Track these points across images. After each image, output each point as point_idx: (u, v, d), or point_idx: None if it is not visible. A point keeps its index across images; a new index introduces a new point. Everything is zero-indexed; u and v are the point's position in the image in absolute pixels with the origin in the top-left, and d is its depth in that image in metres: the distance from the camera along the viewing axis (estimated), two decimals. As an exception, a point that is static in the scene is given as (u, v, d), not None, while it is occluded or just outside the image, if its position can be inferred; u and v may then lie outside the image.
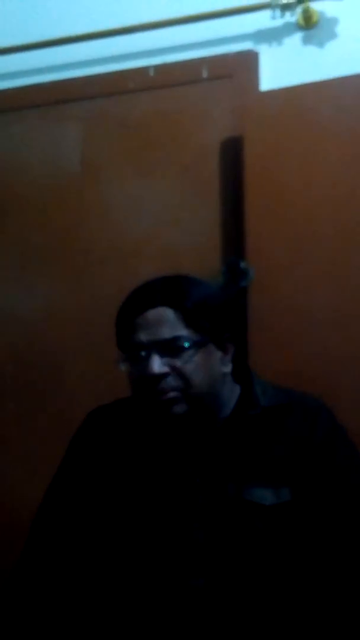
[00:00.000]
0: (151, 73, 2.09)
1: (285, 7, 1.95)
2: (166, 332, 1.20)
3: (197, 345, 1.20)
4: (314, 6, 1.95)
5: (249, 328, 1.79)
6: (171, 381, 1.19)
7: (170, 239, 1.99)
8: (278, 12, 1.97)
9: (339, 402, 1.38)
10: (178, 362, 1.19)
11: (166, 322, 1.20)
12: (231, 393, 1.28)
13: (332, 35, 1.97)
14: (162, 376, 1.18)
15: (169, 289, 1.24)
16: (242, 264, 1.42)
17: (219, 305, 1.27)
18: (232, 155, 1.95)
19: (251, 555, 1.17)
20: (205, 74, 2.03)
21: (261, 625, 1.17)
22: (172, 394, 1.19)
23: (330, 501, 1.22)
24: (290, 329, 1.80)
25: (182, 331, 1.20)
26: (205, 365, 1.21)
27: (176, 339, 1.19)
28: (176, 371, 1.19)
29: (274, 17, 1.98)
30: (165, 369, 1.18)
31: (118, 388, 1.36)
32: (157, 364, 1.18)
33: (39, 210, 2.16)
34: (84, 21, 2.15)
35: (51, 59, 2.19)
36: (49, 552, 1.28)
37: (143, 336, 1.21)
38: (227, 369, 1.26)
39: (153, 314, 1.21)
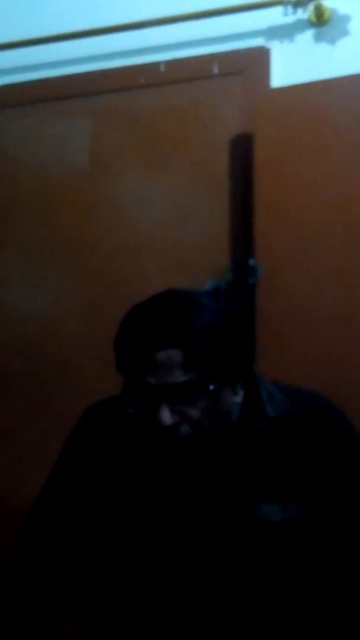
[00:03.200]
0: (162, 68, 2.08)
1: (297, 4, 1.94)
2: (177, 377, 1.09)
3: (208, 388, 1.10)
4: (326, 3, 1.94)
5: (256, 326, 1.78)
6: (183, 430, 1.11)
7: (178, 235, 1.99)
8: (290, 9, 1.96)
9: (347, 400, 1.37)
10: (191, 411, 1.10)
11: (176, 365, 1.09)
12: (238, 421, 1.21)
13: (344, 32, 1.95)
14: (174, 426, 1.10)
15: (180, 326, 1.10)
16: (251, 261, 1.40)
17: (232, 337, 1.15)
18: (242, 152, 1.95)
19: (257, 570, 1.15)
20: (216, 70, 2.02)
21: (265, 638, 1.15)
22: (185, 435, 1.11)
23: (340, 511, 1.19)
24: (299, 326, 1.79)
25: (194, 374, 1.09)
26: (218, 406, 1.13)
27: (187, 384, 1.09)
28: (188, 420, 1.10)
29: (286, 14, 1.97)
30: (176, 419, 1.09)
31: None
32: (167, 416, 1.09)
33: (47, 206, 2.16)
34: (95, 16, 2.14)
35: (61, 53, 2.19)
36: (40, 547, 1.25)
37: (151, 379, 1.09)
38: (239, 398, 1.19)
39: (162, 356, 1.09)
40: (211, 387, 1.10)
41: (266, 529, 1.15)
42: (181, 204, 2.02)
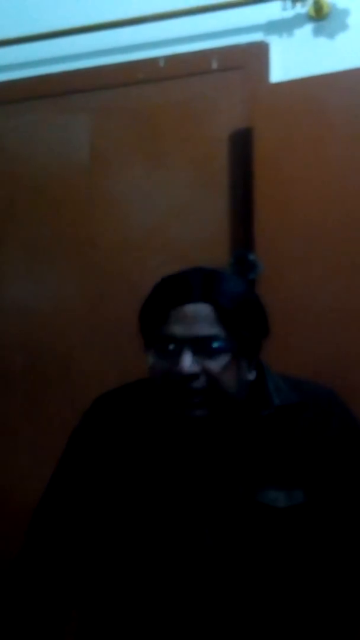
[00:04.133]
0: (161, 64, 2.08)
1: (296, -2, 1.94)
2: (203, 330, 1.13)
3: (231, 348, 1.13)
4: (326, -3, 1.94)
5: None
6: (199, 383, 1.12)
7: (178, 231, 1.99)
8: (289, 3, 1.96)
9: (349, 395, 1.38)
10: (210, 364, 1.12)
11: (204, 319, 1.13)
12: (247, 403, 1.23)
13: (343, 26, 1.95)
14: (193, 377, 1.12)
15: (211, 285, 1.16)
16: (251, 257, 1.40)
17: (255, 310, 1.20)
18: (242, 146, 1.95)
19: (262, 558, 1.16)
20: (215, 65, 2.02)
21: (270, 629, 1.16)
22: (198, 399, 1.13)
23: (346, 499, 1.20)
24: (299, 321, 1.79)
25: (220, 332, 1.13)
26: (235, 371, 1.15)
27: (213, 338, 1.12)
28: (207, 373, 1.12)
29: (284, 8, 1.97)
30: (197, 369, 1.11)
31: (125, 379, 1.35)
32: (189, 363, 1.11)
33: (48, 202, 2.16)
34: (94, 11, 2.14)
35: (61, 49, 2.19)
36: (50, 543, 1.26)
37: (177, 330, 1.13)
38: (252, 376, 1.21)
39: (191, 308, 1.14)
40: (234, 345, 1.13)
41: (272, 515, 1.16)
42: (181, 199, 2.02)
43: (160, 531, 1.18)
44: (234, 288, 1.18)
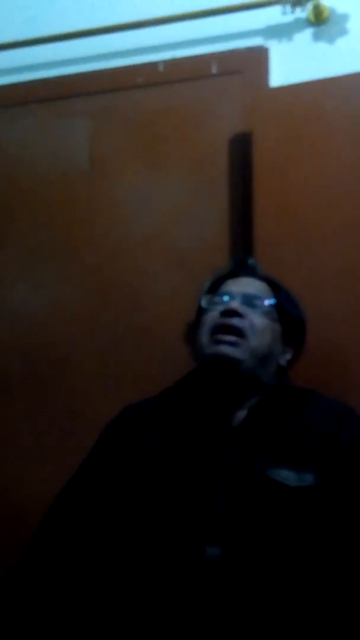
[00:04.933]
0: (160, 68, 2.08)
1: (295, 3, 1.94)
2: (254, 290, 1.36)
3: (273, 314, 1.35)
4: (325, 2, 1.94)
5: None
6: (240, 322, 1.29)
7: (178, 235, 1.99)
8: (289, 8, 1.96)
9: (349, 398, 1.38)
10: (253, 314, 1.32)
11: (257, 286, 1.38)
12: (270, 382, 1.35)
13: (343, 31, 1.95)
14: (236, 313, 1.30)
15: (263, 274, 1.43)
16: (250, 261, 1.43)
17: (300, 311, 1.44)
18: (241, 151, 1.94)
19: (268, 531, 1.19)
20: (214, 70, 2.02)
21: (273, 597, 1.18)
22: (234, 338, 1.28)
23: (350, 501, 1.23)
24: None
25: (267, 297, 1.36)
26: (270, 335, 1.33)
27: (260, 298, 1.35)
28: (249, 319, 1.30)
29: (284, 13, 1.97)
30: (242, 310, 1.31)
31: (124, 384, 1.35)
32: (236, 303, 1.32)
33: (46, 206, 2.16)
34: (92, 15, 2.14)
35: (59, 53, 2.18)
36: (69, 520, 1.32)
37: (232, 287, 1.36)
38: (283, 361, 1.37)
39: (247, 279, 1.39)
40: (276, 312, 1.36)
41: (282, 492, 1.20)
42: (180, 203, 2.01)
43: (173, 498, 1.22)
44: (286, 289, 1.44)
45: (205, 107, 2.02)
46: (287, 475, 1.21)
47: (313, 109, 1.85)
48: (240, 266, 1.41)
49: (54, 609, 1.28)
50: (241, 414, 1.30)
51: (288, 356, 1.40)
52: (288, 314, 1.38)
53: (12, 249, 2.18)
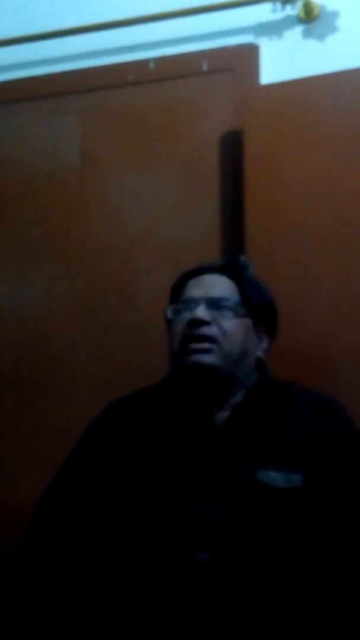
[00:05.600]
0: (151, 66, 2.08)
1: (286, 0, 1.94)
2: (217, 292, 1.31)
3: (241, 311, 1.31)
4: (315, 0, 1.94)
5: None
6: (209, 330, 1.27)
7: (169, 232, 1.99)
8: (279, 5, 1.96)
9: (340, 396, 1.38)
10: (221, 318, 1.28)
11: (219, 284, 1.33)
12: (250, 378, 1.34)
13: (333, 28, 1.96)
14: (204, 322, 1.26)
15: (229, 266, 1.38)
16: (242, 258, 1.42)
17: (267, 296, 1.39)
18: (232, 148, 1.95)
19: (259, 534, 1.19)
20: (205, 67, 2.02)
21: (264, 601, 1.18)
22: (206, 345, 1.26)
23: (339, 495, 1.23)
24: (291, 322, 1.79)
25: (233, 295, 1.32)
26: (242, 334, 1.30)
27: (225, 299, 1.30)
28: (217, 324, 1.28)
29: (274, 10, 1.97)
30: (208, 317, 1.27)
31: (117, 382, 1.36)
32: (202, 311, 1.27)
33: (38, 204, 2.16)
34: (83, 13, 2.14)
35: (50, 51, 2.18)
36: (55, 527, 1.30)
37: (195, 292, 1.32)
38: (260, 352, 1.35)
39: (209, 277, 1.34)
40: (244, 311, 1.31)
41: (270, 494, 1.20)
42: (172, 201, 2.02)
43: (162, 504, 1.22)
44: (248, 274, 1.39)
45: (196, 104, 2.03)
46: (275, 477, 1.21)
47: (304, 106, 1.85)
48: (230, 264, 1.40)
49: (43, 618, 1.27)
50: (224, 414, 1.29)
51: (265, 344, 1.37)
52: (256, 305, 1.34)
53: (3, 247, 2.18)
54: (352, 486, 1.25)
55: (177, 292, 1.36)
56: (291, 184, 1.84)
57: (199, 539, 1.19)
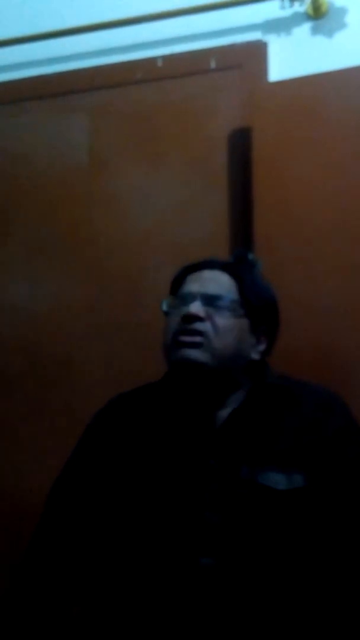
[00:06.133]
0: (159, 63, 2.08)
1: (294, -3, 1.94)
2: (215, 289, 1.28)
3: (238, 310, 1.27)
4: (323, -4, 1.94)
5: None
6: (202, 326, 1.24)
7: (178, 230, 1.99)
8: (287, 2, 1.95)
9: (347, 395, 1.38)
10: (216, 315, 1.25)
11: (218, 281, 1.30)
12: (246, 379, 1.32)
13: (342, 25, 1.95)
14: (197, 318, 1.24)
15: (231, 264, 1.35)
16: (250, 256, 1.42)
17: (268, 294, 1.36)
18: (241, 146, 1.94)
19: (262, 537, 1.18)
20: (213, 65, 2.01)
21: (268, 605, 1.17)
22: (197, 338, 1.24)
23: (343, 492, 1.22)
24: (298, 320, 1.79)
25: (231, 294, 1.28)
26: (237, 334, 1.27)
27: (222, 297, 1.27)
28: (211, 320, 1.25)
29: (282, 7, 1.97)
30: (202, 313, 1.25)
31: (125, 378, 1.35)
32: (197, 306, 1.25)
33: (47, 202, 2.16)
34: (91, 11, 2.14)
35: (58, 49, 2.18)
36: (61, 531, 1.30)
37: (194, 287, 1.29)
38: (255, 356, 1.31)
39: (209, 273, 1.31)
40: (241, 311, 1.28)
41: (272, 497, 1.18)
42: (180, 199, 2.01)
43: (164, 509, 1.21)
44: (252, 273, 1.35)
45: (204, 102, 2.02)
46: (276, 479, 1.19)
47: (312, 103, 1.84)
48: (239, 261, 1.39)
49: (48, 624, 1.27)
50: (223, 413, 1.27)
51: (262, 346, 1.33)
52: (255, 306, 1.30)
53: (12, 246, 2.18)
54: (353, 483, 1.24)
55: (176, 286, 1.35)
56: (300, 181, 1.84)
57: (201, 544, 1.18)
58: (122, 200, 2.07)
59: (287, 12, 1.98)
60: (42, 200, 2.16)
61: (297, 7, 1.96)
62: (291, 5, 1.96)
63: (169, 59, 2.07)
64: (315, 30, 1.97)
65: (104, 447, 1.32)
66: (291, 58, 1.97)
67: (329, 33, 1.96)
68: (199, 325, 1.24)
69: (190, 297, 1.28)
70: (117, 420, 1.34)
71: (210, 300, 1.27)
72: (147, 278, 2.00)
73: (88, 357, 2.05)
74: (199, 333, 1.24)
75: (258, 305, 1.31)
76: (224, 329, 1.25)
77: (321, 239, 1.80)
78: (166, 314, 1.32)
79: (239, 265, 1.35)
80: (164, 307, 1.32)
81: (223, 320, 1.26)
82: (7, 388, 2.13)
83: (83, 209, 2.12)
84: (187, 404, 1.28)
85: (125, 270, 2.04)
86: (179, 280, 1.35)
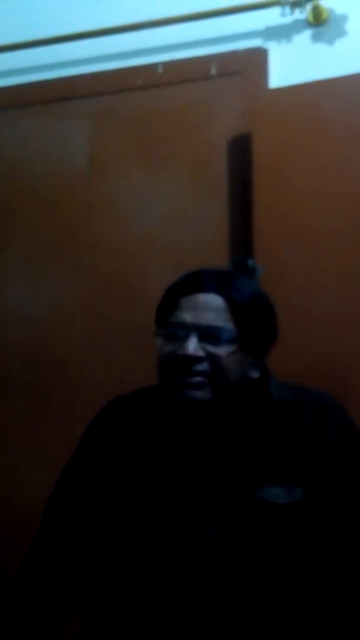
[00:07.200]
0: (159, 70, 2.08)
1: (295, 4, 1.94)
2: (212, 319, 1.19)
3: (237, 340, 1.19)
4: (324, 3, 1.94)
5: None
6: (202, 367, 1.17)
7: (177, 236, 1.99)
8: (288, 9, 1.96)
9: (347, 400, 1.37)
10: (215, 350, 1.18)
11: (214, 309, 1.20)
12: (247, 399, 1.27)
13: (342, 32, 1.96)
14: (196, 359, 1.17)
15: (223, 280, 1.23)
16: (250, 262, 1.41)
17: (265, 310, 1.27)
18: (241, 152, 1.95)
19: (261, 551, 1.17)
20: (214, 71, 2.02)
21: (268, 618, 1.16)
22: (198, 379, 1.17)
23: (342, 502, 1.22)
24: (298, 326, 1.79)
25: (228, 323, 1.19)
26: (239, 363, 1.20)
27: (220, 329, 1.18)
28: (210, 359, 1.18)
29: (283, 14, 1.97)
30: (201, 353, 1.17)
31: (124, 384, 1.35)
32: (194, 346, 1.17)
33: (46, 207, 2.16)
34: (92, 18, 2.14)
35: (59, 55, 2.19)
36: (61, 537, 1.29)
37: (188, 317, 1.19)
38: (256, 374, 1.25)
39: (203, 298, 1.20)
40: (240, 338, 1.19)
41: (272, 511, 1.17)
42: (180, 204, 2.02)
43: (163, 525, 1.19)
44: (246, 285, 1.25)
45: (204, 108, 2.03)
46: (276, 493, 1.17)
47: (312, 110, 1.85)
48: (238, 268, 1.37)
49: (47, 630, 1.26)
50: (224, 431, 1.24)
51: (260, 362, 1.27)
52: (252, 332, 1.21)
53: (12, 251, 2.18)
54: (353, 492, 1.23)
55: (166, 308, 1.24)
56: (300, 187, 1.84)
57: (200, 558, 1.16)
58: (122, 205, 2.07)
59: (288, 19, 1.98)
60: (41, 206, 2.16)
61: (298, 14, 1.97)
62: (292, 13, 1.96)
63: (169, 65, 2.07)
64: (315, 38, 1.98)
65: (104, 453, 1.30)
66: (292, 65, 1.97)
67: (330, 40, 1.96)
68: (198, 367, 1.17)
69: (184, 331, 1.19)
70: (117, 426, 1.32)
71: (207, 334, 1.18)
72: (146, 283, 2.00)
73: (87, 361, 2.04)
74: (199, 373, 1.18)
75: (256, 329, 1.23)
76: (225, 364, 1.18)
77: (321, 245, 1.80)
78: (157, 339, 1.24)
79: (234, 281, 1.24)
80: (158, 344, 1.23)
81: (223, 354, 1.18)
82: (5, 392, 2.12)
83: (83, 214, 2.12)
84: (188, 431, 1.25)
85: (125, 275, 2.04)
86: (170, 302, 1.24)
